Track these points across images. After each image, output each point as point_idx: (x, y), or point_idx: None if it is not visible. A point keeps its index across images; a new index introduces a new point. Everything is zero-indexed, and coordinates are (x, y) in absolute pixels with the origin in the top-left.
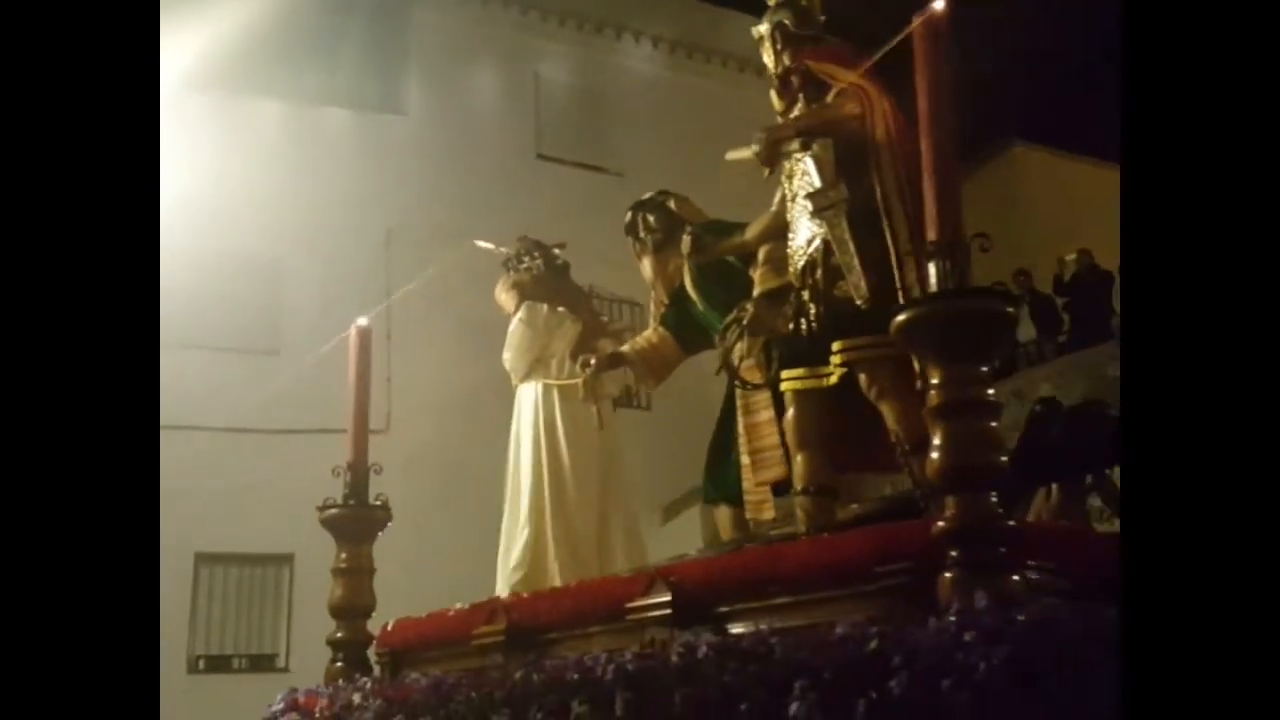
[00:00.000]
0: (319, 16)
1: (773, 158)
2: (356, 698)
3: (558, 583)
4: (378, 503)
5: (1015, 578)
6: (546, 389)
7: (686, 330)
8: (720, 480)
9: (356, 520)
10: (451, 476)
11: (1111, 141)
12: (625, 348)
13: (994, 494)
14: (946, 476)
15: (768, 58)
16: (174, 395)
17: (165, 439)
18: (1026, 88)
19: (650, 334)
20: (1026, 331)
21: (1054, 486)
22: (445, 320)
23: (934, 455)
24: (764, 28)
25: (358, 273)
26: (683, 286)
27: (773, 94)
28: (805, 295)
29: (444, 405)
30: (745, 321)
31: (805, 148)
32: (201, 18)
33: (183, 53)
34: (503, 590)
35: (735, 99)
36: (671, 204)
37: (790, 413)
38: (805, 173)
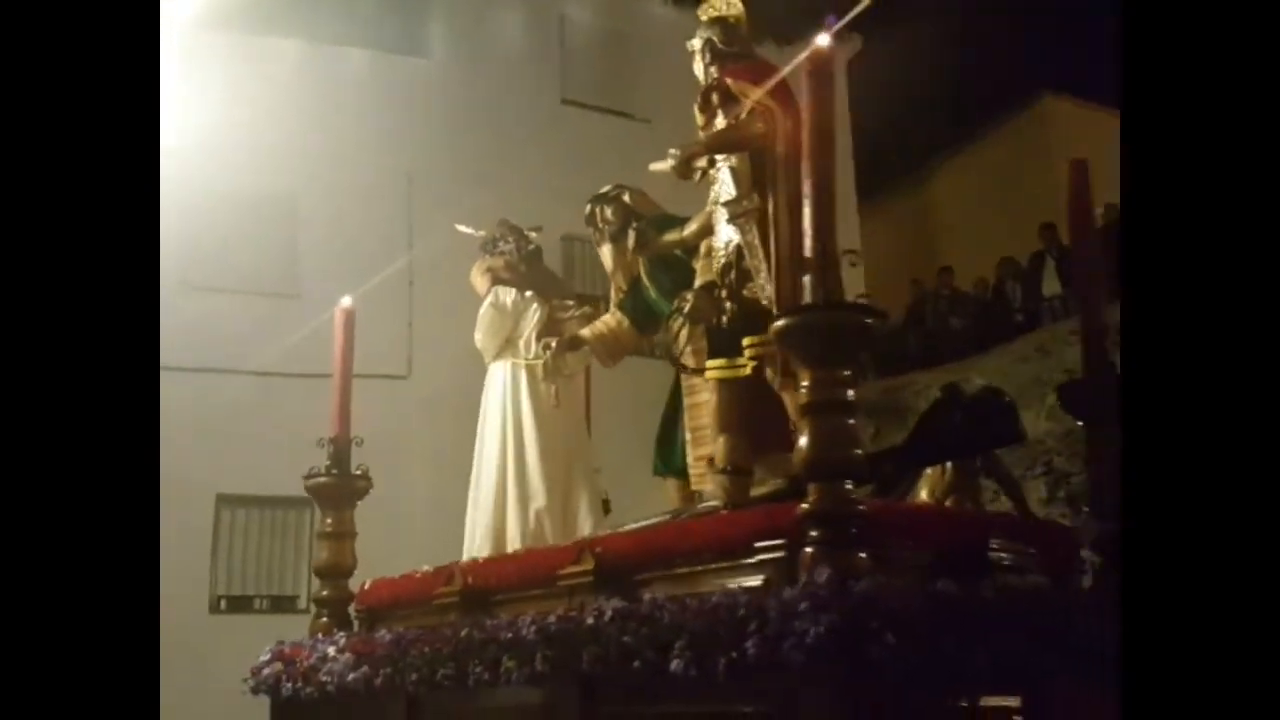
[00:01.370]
0: None
1: (686, 173)
2: (331, 650)
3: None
4: (358, 472)
5: (863, 555)
6: (515, 369)
7: (642, 316)
8: (667, 456)
9: (339, 489)
10: (472, 420)
11: None
12: (585, 331)
13: (850, 483)
14: (810, 467)
15: (698, 71)
16: (194, 338)
17: (186, 381)
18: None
19: (609, 318)
20: (1052, 286)
21: (949, 466)
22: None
23: (801, 448)
24: (696, 43)
25: (379, 217)
26: (639, 275)
27: (696, 107)
28: (723, 294)
29: (465, 351)
30: (686, 311)
31: (712, 164)
32: None
33: None
34: (468, 555)
35: (763, 47)
36: (626, 198)
37: (713, 399)
38: (723, 181)
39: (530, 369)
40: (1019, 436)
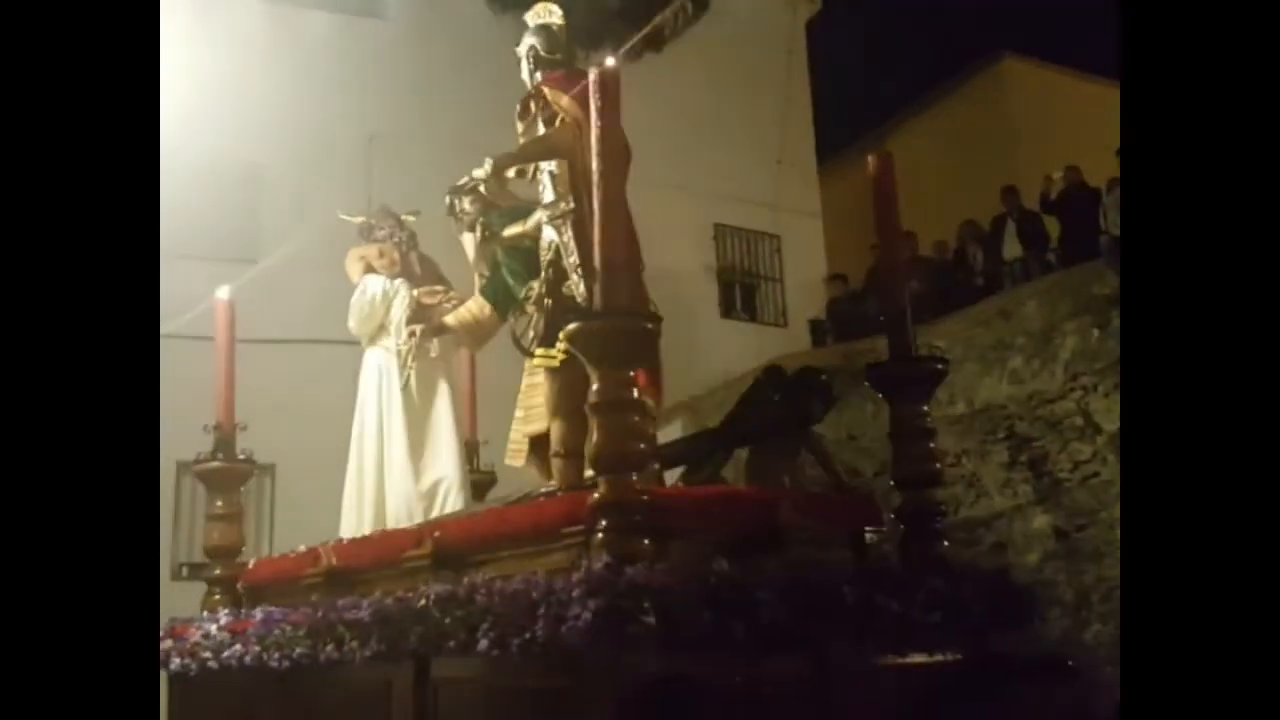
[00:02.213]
0: None
1: (498, 182)
2: (212, 628)
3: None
4: (243, 458)
5: (645, 541)
6: (386, 354)
7: (502, 301)
8: None
9: (226, 474)
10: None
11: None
12: (449, 318)
13: (635, 474)
14: (598, 461)
15: (524, 76)
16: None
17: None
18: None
19: (472, 304)
20: (1013, 249)
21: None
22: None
23: (592, 443)
24: (522, 49)
25: (338, 179)
26: (498, 262)
27: (516, 114)
28: (544, 289)
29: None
30: (531, 298)
31: (521, 173)
32: None
33: None
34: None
35: (721, 8)
36: (483, 189)
37: (547, 386)
38: (544, 184)
39: (399, 354)
40: (823, 413)
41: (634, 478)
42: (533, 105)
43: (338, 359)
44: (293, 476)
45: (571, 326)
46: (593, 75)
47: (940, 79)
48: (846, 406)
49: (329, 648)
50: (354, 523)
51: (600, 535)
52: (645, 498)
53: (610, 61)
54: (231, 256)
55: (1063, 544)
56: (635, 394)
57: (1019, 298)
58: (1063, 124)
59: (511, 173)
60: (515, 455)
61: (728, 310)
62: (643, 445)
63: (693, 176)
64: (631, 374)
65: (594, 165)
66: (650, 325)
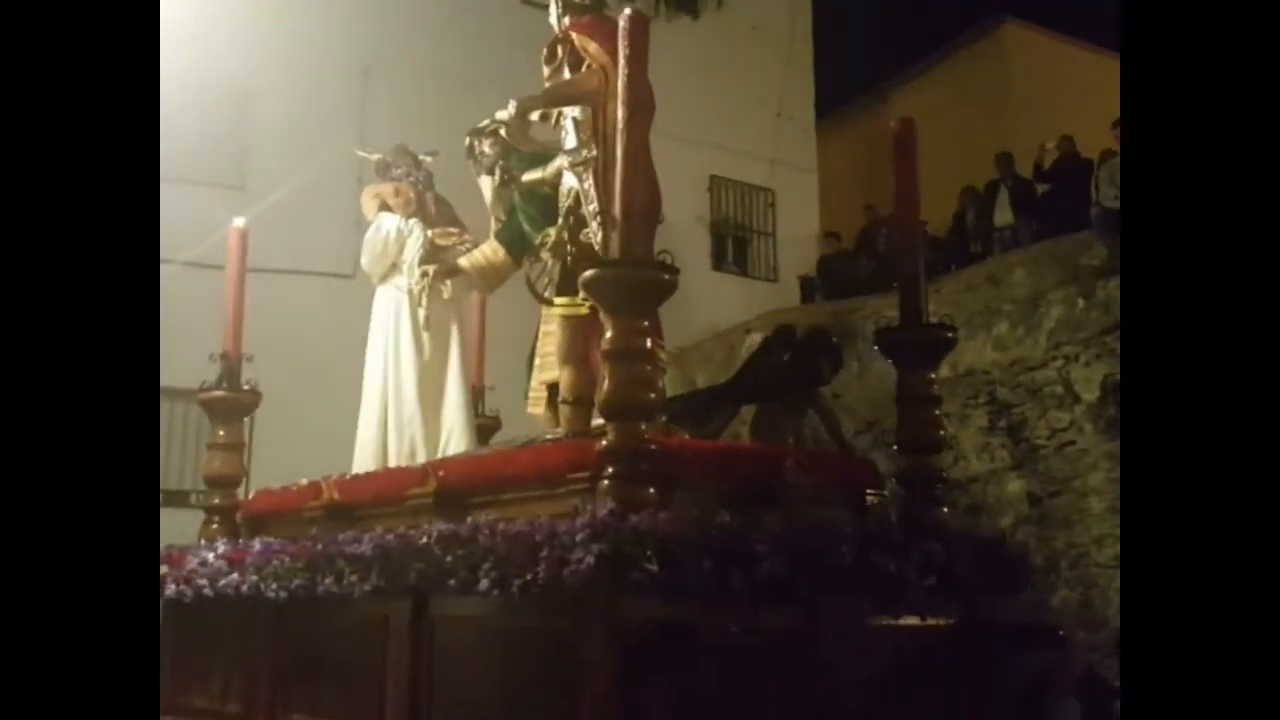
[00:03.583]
0: None
1: (521, 127)
2: (210, 556)
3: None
4: (247, 387)
5: (651, 490)
6: (398, 293)
7: (517, 245)
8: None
9: (229, 403)
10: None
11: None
12: (463, 260)
13: (644, 423)
14: (608, 408)
15: (553, 21)
16: None
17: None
18: None
19: (487, 248)
20: (1004, 216)
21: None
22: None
23: (602, 390)
24: None
25: (332, 109)
26: (514, 206)
27: (543, 58)
28: (565, 235)
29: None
30: (548, 245)
31: (545, 118)
32: None
33: None
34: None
35: None
36: (507, 130)
37: (559, 333)
38: (567, 130)
39: (411, 294)
40: (832, 374)
41: (643, 427)
42: (560, 50)
43: (325, 292)
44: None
45: (589, 273)
46: (622, 22)
47: (942, 42)
48: None
49: (328, 580)
50: (367, 460)
51: (607, 481)
52: (653, 447)
53: (637, 7)
54: (218, 182)
55: (1035, 509)
56: (649, 344)
57: (1007, 264)
58: (1061, 93)
59: (535, 116)
60: (535, 403)
61: (719, 263)
62: (653, 395)
63: (690, 126)
64: (645, 324)
65: (619, 113)
66: (668, 275)
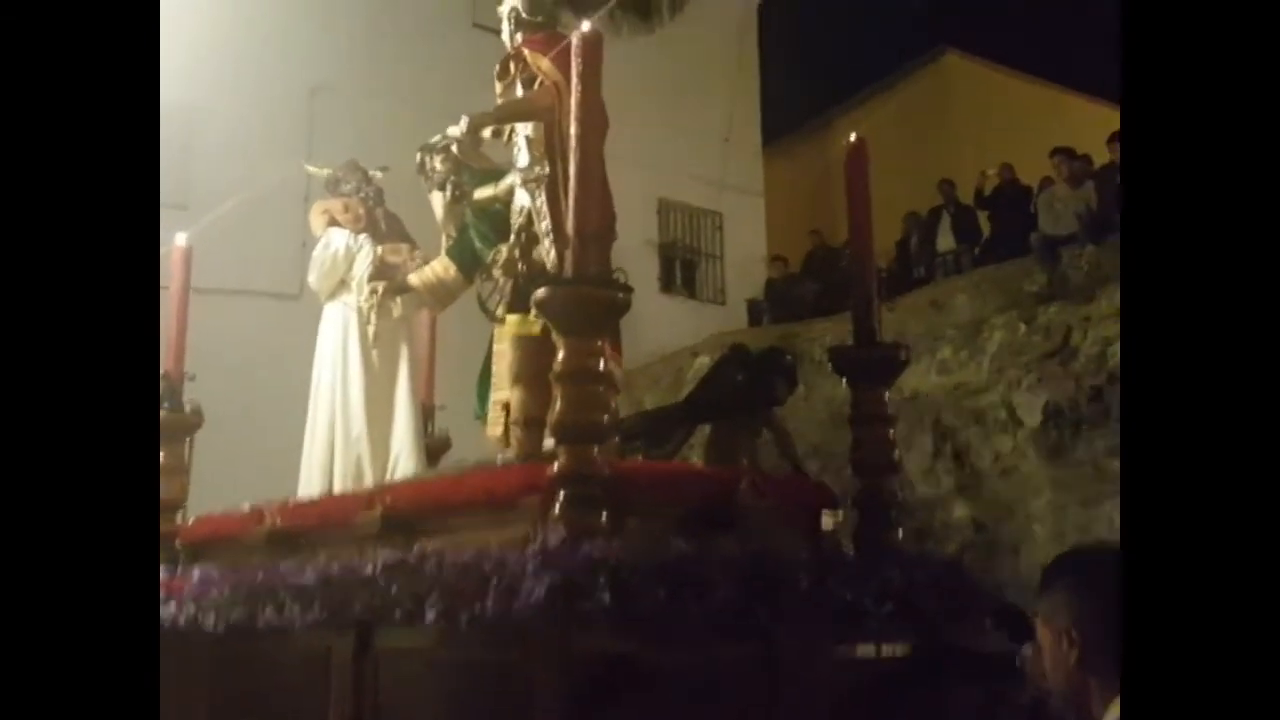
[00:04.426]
0: None
1: (473, 143)
2: None
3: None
4: (189, 408)
5: (603, 515)
6: (346, 311)
7: (468, 263)
8: (485, 399)
9: (172, 424)
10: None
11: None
12: (413, 277)
13: (597, 446)
14: (560, 430)
15: (505, 38)
16: None
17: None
18: None
19: (437, 265)
20: (946, 242)
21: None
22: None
23: (554, 411)
24: (504, 9)
25: (279, 129)
26: (466, 223)
27: (495, 74)
28: (516, 253)
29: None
30: (500, 262)
31: (497, 134)
32: None
33: None
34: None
35: None
36: (454, 148)
37: (510, 353)
38: (519, 147)
39: (360, 311)
40: (788, 393)
41: (595, 450)
42: (512, 67)
43: (270, 312)
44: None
45: (540, 292)
46: (575, 39)
47: (884, 71)
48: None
49: (268, 611)
50: (314, 482)
51: (558, 507)
52: (606, 471)
53: (589, 24)
54: (163, 201)
55: (980, 535)
56: (602, 365)
57: (950, 289)
58: (1001, 122)
59: (487, 133)
60: (494, 424)
61: (667, 285)
62: (606, 417)
63: (639, 149)
64: (599, 343)
65: (572, 130)
66: (622, 295)
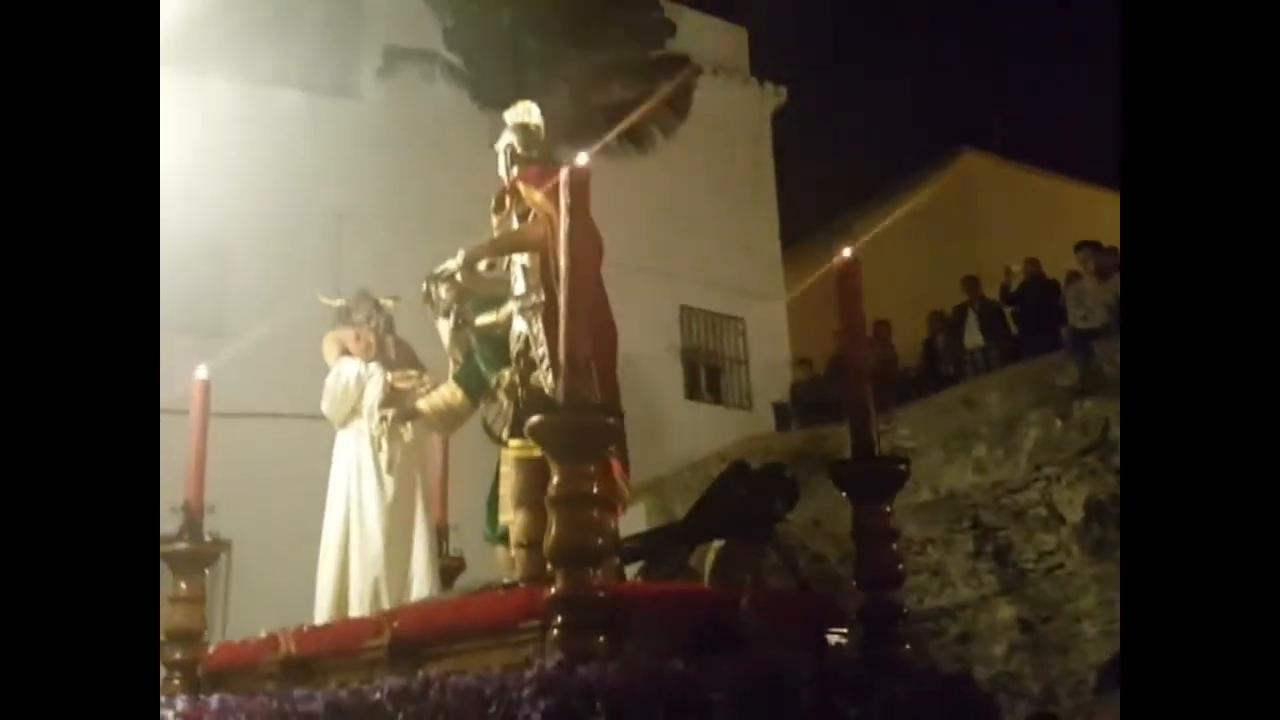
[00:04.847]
0: None
1: (470, 276)
2: (170, 715)
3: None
4: (209, 539)
5: (601, 639)
6: (359, 437)
7: (475, 387)
8: (494, 521)
9: (192, 556)
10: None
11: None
12: (422, 403)
13: (592, 569)
14: (556, 555)
15: (501, 172)
16: None
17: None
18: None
19: (445, 390)
20: (973, 339)
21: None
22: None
23: (550, 536)
24: (500, 145)
25: (307, 257)
26: (472, 348)
27: (491, 207)
28: (516, 379)
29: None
30: (503, 386)
31: (492, 266)
32: None
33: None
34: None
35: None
36: (459, 277)
37: (513, 476)
38: (516, 277)
39: (372, 438)
40: (785, 510)
41: (592, 573)
42: (507, 200)
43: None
44: (252, 553)
45: (533, 420)
46: (563, 174)
47: (902, 171)
48: (813, 492)
49: None
50: (326, 607)
51: (555, 631)
52: (602, 594)
53: (581, 160)
54: (198, 329)
55: (1028, 636)
56: (595, 489)
57: (982, 387)
58: (1023, 217)
59: (483, 265)
60: (503, 546)
61: (692, 392)
62: (601, 541)
63: (659, 259)
64: (592, 469)
65: (562, 262)
66: (612, 421)
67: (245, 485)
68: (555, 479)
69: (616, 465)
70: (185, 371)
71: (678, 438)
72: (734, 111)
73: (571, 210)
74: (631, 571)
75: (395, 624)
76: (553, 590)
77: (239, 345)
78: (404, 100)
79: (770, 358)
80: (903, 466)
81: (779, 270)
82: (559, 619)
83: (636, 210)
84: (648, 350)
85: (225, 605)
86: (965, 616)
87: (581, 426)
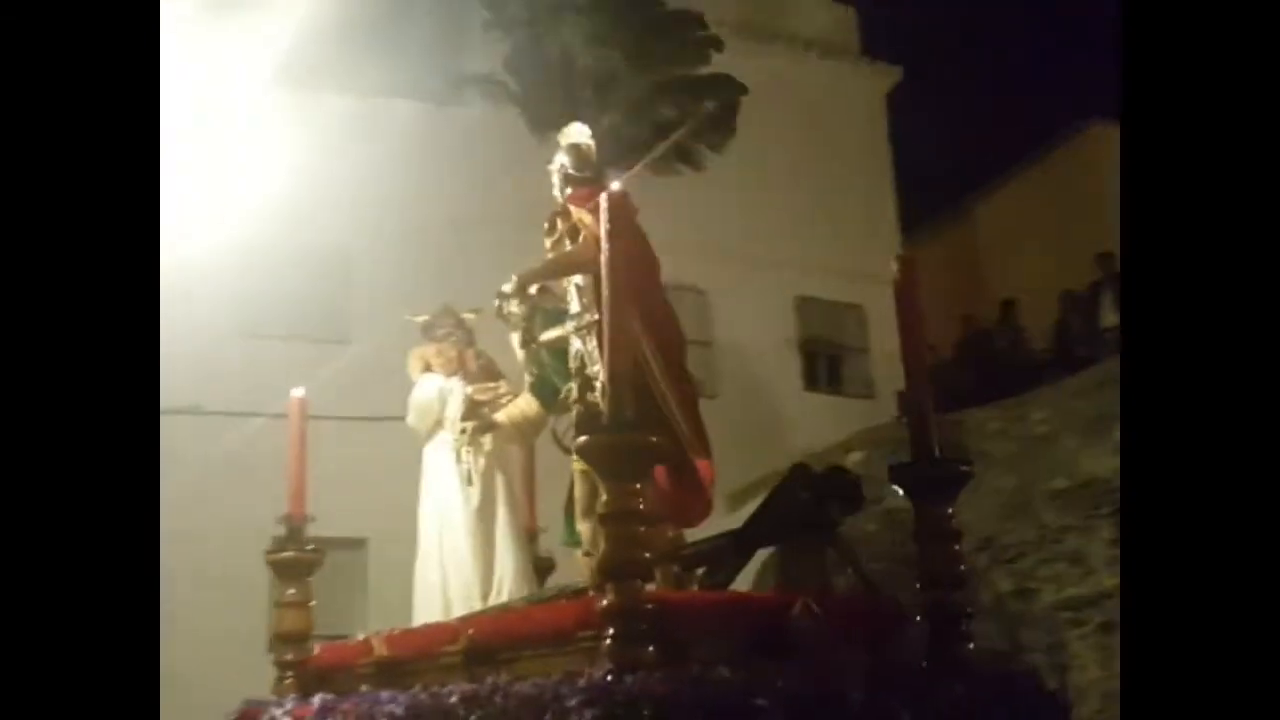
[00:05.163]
0: (383, 9)
1: (522, 296)
2: (278, 713)
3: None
4: (310, 548)
5: (650, 648)
6: (444, 448)
7: (549, 398)
8: (571, 527)
9: (296, 563)
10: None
11: None
12: (500, 415)
13: (641, 582)
14: (606, 569)
15: (555, 193)
16: (249, 383)
17: (240, 425)
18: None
19: (522, 401)
20: (1110, 318)
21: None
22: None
23: (598, 551)
24: (554, 166)
25: (426, 263)
26: (543, 360)
27: (544, 231)
28: (574, 395)
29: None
30: (572, 399)
31: (543, 290)
32: (269, 12)
33: (256, 50)
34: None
35: (800, 80)
36: (531, 290)
37: (579, 487)
38: (572, 296)
39: (456, 450)
40: (841, 515)
41: (643, 585)
42: (559, 222)
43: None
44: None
45: (580, 440)
46: (601, 199)
47: (1026, 146)
48: None
49: None
50: (425, 610)
51: (607, 642)
52: (651, 605)
53: (616, 184)
54: (324, 337)
55: None
56: (640, 504)
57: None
58: None
59: (534, 289)
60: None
61: (811, 383)
62: (649, 554)
63: (773, 250)
64: (638, 485)
65: (603, 287)
66: (656, 440)
67: (383, 485)
68: (603, 496)
69: (705, 466)
70: (310, 379)
71: (797, 430)
72: (845, 94)
73: (610, 235)
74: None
75: (470, 631)
76: (603, 603)
77: (366, 351)
78: (510, 106)
79: (893, 345)
80: (965, 468)
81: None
82: (610, 630)
83: (748, 203)
84: (764, 342)
85: (364, 601)
86: (1109, 605)
87: (624, 445)
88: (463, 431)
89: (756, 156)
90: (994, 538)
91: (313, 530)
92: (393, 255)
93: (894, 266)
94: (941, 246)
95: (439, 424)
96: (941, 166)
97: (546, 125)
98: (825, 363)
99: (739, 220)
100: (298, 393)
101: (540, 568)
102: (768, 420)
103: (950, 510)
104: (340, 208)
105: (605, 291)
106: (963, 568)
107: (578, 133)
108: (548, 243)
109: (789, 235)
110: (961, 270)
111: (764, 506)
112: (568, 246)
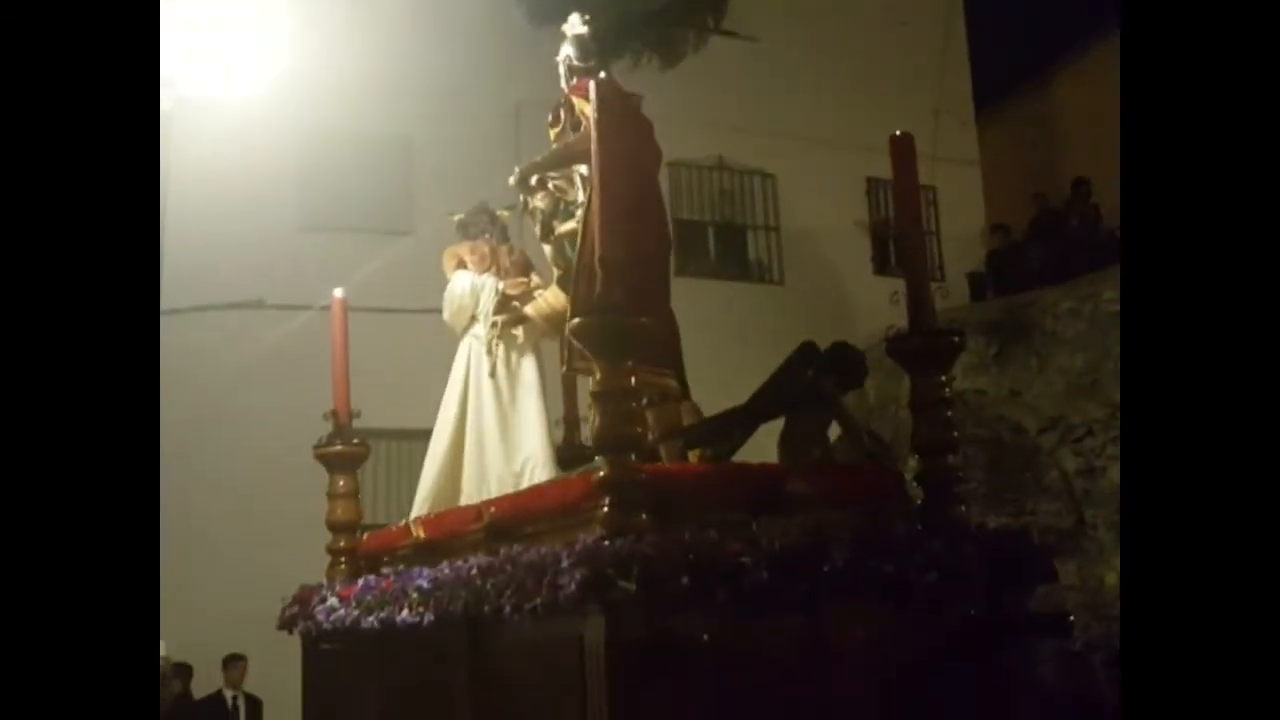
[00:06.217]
0: None
1: (525, 190)
2: (327, 593)
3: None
4: (356, 441)
5: (644, 515)
6: (477, 342)
7: None
8: None
9: (343, 456)
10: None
11: None
12: (529, 308)
13: (633, 455)
14: (601, 443)
15: (563, 84)
16: (310, 277)
17: (308, 320)
18: None
19: (550, 295)
20: None
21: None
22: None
23: (595, 425)
24: (560, 56)
25: (488, 149)
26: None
27: (548, 121)
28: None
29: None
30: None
31: (542, 185)
32: None
33: None
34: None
35: None
36: (551, 185)
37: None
38: (577, 186)
39: (486, 342)
40: (841, 390)
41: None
42: (563, 114)
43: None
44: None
45: (573, 322)
46: (590, 87)
47: (1103, 23)
48: (1010, 361)
49: (403, 612)
50: (422, 499)
51: (605, 510)
52: (643, 476)
53: (603, 73)
54: (385, 229)
55: None
56: (633, 382)
57: None
58: None
59: (534, 181)
60: None
61: (881, 267)
62: (640, 429)
63: (843, 130)
64: (628, 364)
65: (594, 175)
66: (645, 320)
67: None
68: (596, 374)
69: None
70: (370, 270)
71: (866, 314)
72: None
73: (599, 123)
74: None
75: (492, 510)
76: (600, 474)
77: (430, 244)
78: None
79: (963, 227)
80: (956, 339)
81: (973, 134)
82: (605, 500)
83: (817, 80)
84: (833, 224)
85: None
86: None
87: (615, 327)
88: (493, 325)
89: (826, 37)
90: (1062, 417)
91: (373, 422)
92: (454, 142)
93: (891, 140)
94: (1015, 124)
95: (473, 319)
96: (1018, 41)
97: (546, 16)
98: (895, 245)
99: (809, 100)
100: (338, 293)
101: (580, 456)
102: (836, 302)
103: (944, 379)
104: (398, 93)
105: (596, 182)
106: (954, 433)
107: (580, 22)
108: (552, 134)
109: (860, 116)
110: (1036, 148)
111: (768, 382)
112: (570, 137)
